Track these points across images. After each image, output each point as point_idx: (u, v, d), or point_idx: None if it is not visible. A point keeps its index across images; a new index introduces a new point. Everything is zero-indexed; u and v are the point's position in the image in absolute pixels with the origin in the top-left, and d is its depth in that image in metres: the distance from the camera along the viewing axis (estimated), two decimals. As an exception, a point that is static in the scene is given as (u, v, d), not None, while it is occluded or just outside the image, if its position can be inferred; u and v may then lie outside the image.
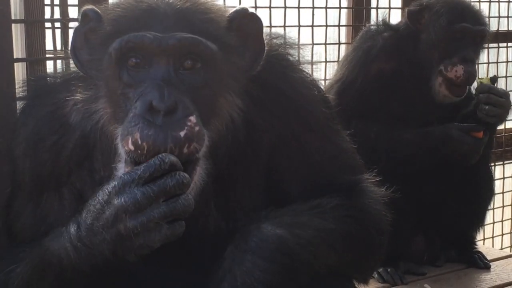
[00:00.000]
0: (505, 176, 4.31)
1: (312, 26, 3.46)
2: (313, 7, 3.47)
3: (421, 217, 3.10)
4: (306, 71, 1.89)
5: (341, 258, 1.73)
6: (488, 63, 4.10)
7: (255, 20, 1.71)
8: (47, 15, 2.46)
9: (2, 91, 2.20)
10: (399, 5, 3.74)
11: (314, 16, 3.47)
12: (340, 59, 3.41)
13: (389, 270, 3.03)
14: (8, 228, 1.88)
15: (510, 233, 4.47)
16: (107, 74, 1.63)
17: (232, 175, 1.76)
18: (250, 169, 1.78)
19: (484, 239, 4.09)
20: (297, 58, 1.88)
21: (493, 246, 4.20)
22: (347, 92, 3.03)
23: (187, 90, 1.59)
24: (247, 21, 1.70)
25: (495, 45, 4.13)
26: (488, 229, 4.17)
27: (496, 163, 4.07)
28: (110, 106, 1.65)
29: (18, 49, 2.38)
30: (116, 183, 1.53)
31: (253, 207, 1.75)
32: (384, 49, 3.06)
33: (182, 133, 1.52)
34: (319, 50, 3.53)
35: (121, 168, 1.58)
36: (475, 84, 3.08)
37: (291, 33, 2.81)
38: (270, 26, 3.23)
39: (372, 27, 3.21)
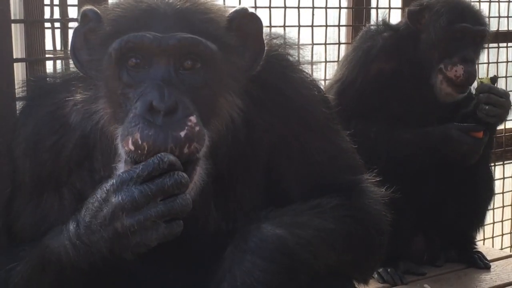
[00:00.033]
0: (505, 176, 4.30)
1: (312, 26, 3.46)
2: (313, 7, 3.47)
3: (421, 217, 3.09)
4: (306, 71, 1.88)
5: (341, 258, 1.73)
6: (488, 63, 4.09)
7: (255, 20, 1.71)
8: (47, 15, 2.45)
9: (2, 91, 2.20)
10: (399, 5, 3.73)
11: (314, 16, 3.47)
12: (340, 59, 3.40)
13: (389, 270, 3.03)
14: (8, 228, 1.88)
15: (510, 233, 4.46)
16: (107, 74, 1.63)
17: (232, 175, 1.76)
18: (250, 169, 1.78)
19: (484, 239, 4.08)
20: (297, 58, 1.88)
21: (493, 246, 4.19)
22: (347, 92, 3.03)
23: (187, 90, 1.59)
24: (247, 21, 1.70)
25: (495, 45, 4.12)
26: (488, 229, 4.17)
27: (496, 163, 4.07)
28: (110, 106, 1.65)
29: (18, 49, 2.38)
30: (114, 181, 1.53)
31: (253, 207, 1.75)
32: (384, 49, 3.06)
33: (182, 133, 1.52)
34: (319, 50, 3.52)
35: (121, 168, 1.57)
36: (475, 84, 3.08)
37: (291, 33, 2.82)
38: (270, 26, 3.22)
39: (372, 27, 3.21)
